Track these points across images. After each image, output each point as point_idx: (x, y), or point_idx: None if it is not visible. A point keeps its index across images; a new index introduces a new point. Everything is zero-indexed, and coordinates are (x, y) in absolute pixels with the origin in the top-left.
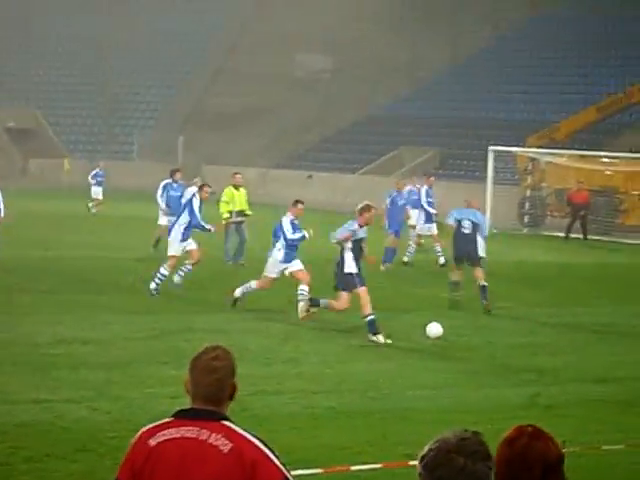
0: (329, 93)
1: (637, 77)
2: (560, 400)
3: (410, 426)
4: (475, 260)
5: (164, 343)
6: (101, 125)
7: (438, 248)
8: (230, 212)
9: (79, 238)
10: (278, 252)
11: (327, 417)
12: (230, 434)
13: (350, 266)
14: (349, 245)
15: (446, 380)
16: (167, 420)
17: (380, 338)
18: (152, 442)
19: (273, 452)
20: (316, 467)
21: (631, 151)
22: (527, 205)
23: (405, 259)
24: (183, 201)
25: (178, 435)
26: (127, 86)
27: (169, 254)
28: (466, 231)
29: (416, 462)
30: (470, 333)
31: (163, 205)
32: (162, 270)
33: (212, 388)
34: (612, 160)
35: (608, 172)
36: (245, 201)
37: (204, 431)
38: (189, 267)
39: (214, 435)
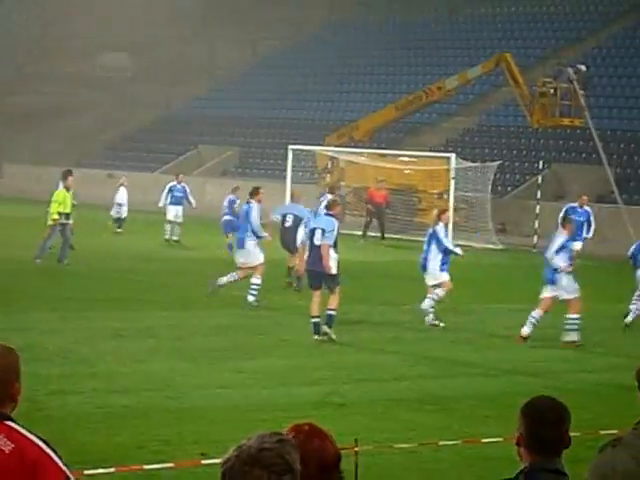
0: (129, 92)
1: (437, 76)
2: (353, 398)
3: (206, 425)
4: (293, 249)
5: None
6: None
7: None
8: (60, 213)
9: None
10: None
11: (122, 416)
12: (12, 434)
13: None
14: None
15: (242, 379)
16: None
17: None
18: None
19: (56, 452)
20: (110, 466)
21: (430, 150)
22: None
23: None
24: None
25: None
26: None
27: (254, 264)
28: (287, 224)
29: (210, 461)
30: (267, 332)
31: None
32: (254, 280)
33: None
34: (411, 159)
35: (407, 171)
36: (71, 203)
37: None
38: (257, 281)
39: None
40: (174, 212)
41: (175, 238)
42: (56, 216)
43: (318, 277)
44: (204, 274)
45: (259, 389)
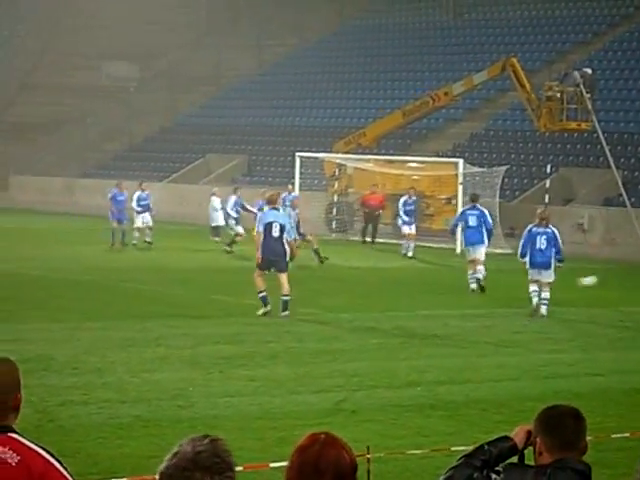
0: (136, 101)
1: (444, 81)
2: (365, 405)
3: (218, 434)
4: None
5: None
6: None
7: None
8: None
9: None
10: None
11: (134, 426)
12: (17, 446)
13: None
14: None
15: (253, 387)
16: None
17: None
18: None
19: (61, 463)
20: (122, 476)
21: (438, 155)
22: (334, 211)
23: None
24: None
25: None
26: None
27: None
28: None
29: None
30: (275, 340)
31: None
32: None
33: None
34: (419, 165)
35: (415, 177)
36: None
37: None
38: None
39: (1, 448)
40: (141, 219)
41: (148, 240)
42: None
43: (272, 263)
44: (212, 283)
45: (270, 397)
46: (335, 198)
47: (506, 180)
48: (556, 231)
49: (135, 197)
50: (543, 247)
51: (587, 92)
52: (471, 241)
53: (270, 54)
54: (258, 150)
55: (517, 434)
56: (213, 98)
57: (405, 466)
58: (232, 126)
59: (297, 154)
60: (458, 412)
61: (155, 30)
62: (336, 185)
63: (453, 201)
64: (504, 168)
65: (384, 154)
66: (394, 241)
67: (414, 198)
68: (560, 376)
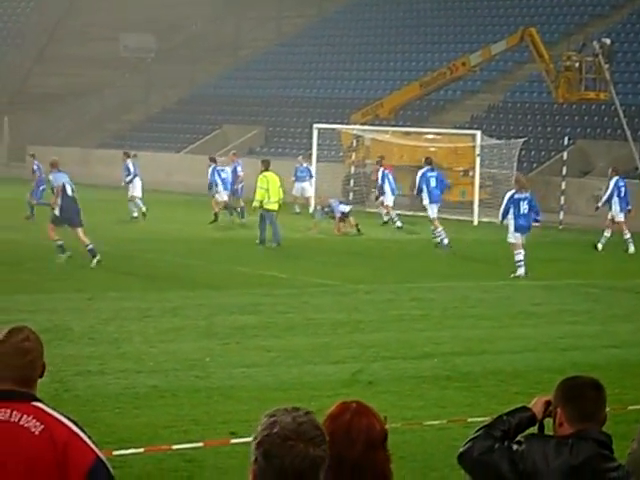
0: (153, 73)
1: (461, 52)
2: (382, 376)
3: (234, 404)
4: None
5: None
6: None
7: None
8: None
9: None
10: None
11: (150, 396)
12: (41, 415)
13: None
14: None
15: (270, 358)
16: None
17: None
18: None
19: (84, 432)
20: (139, 446)
21: (455, 127)
22: (352, 182)
23: None
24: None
25: None
26: None
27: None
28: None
29: (239, 440)
30: (292, 311)
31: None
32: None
33: (25, 370)
34: (436, 136)
35: (432, 148)
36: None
37: (15, 413)
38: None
39: (25, 417)
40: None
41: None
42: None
43: (66, 219)
44: (228, 254)
45: (287, 368)
46: (352, 169)
47: (523, 152)
48: (532, 194)
49: (123, 167)
50: (526, 211)
51: (605, 62)
52: (436, 199)
53: (289, 25)
54: (275, 121)
55: (535, 404)
56: (231, 69)
57: (422, 437)
58: (250, 97)
59: (315, 125)
60: (475, 383)
61: (173, 1)
62: (353, 156)
63: (470, 173)
64: (521, 140)
65: (401, 125)
66: (411, 213)
67: (386, 171)
68: (578, 348)
